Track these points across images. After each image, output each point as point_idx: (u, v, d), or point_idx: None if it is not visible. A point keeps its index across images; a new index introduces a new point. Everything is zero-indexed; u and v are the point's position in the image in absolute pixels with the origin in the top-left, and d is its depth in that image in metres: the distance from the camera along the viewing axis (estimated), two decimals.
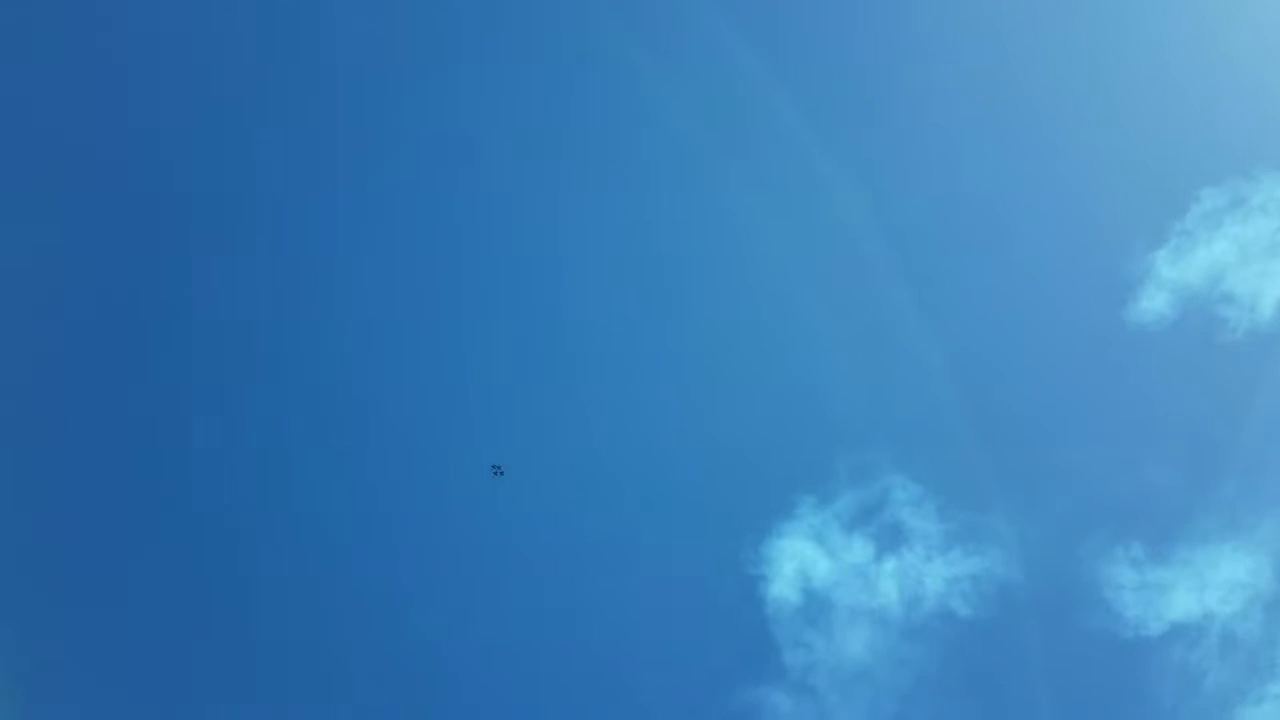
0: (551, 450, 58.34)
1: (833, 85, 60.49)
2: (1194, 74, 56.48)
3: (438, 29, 61.72)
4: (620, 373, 59.63)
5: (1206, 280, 53.05)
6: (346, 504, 57.95)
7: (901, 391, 57.36)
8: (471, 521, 57.57)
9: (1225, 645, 50.63)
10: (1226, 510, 51.59)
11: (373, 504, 57.96)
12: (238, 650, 56.06)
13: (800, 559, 54.56)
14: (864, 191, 59.35)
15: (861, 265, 58.94)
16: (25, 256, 57.77)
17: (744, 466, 57.24)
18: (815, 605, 54.22)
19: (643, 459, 58.30)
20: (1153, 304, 53.79)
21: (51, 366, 58.07)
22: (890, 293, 58.43)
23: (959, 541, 54.06)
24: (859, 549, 54.65)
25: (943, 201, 58.75)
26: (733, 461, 57.44)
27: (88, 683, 54.66)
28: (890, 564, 54.31)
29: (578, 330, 60.28)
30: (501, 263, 60.86)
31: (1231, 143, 54.47)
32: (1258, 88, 55.42)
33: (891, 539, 54.65)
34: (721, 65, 60.46)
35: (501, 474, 56.36)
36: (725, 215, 60.69)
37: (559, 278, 60.71)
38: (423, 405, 59.33)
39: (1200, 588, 51.08)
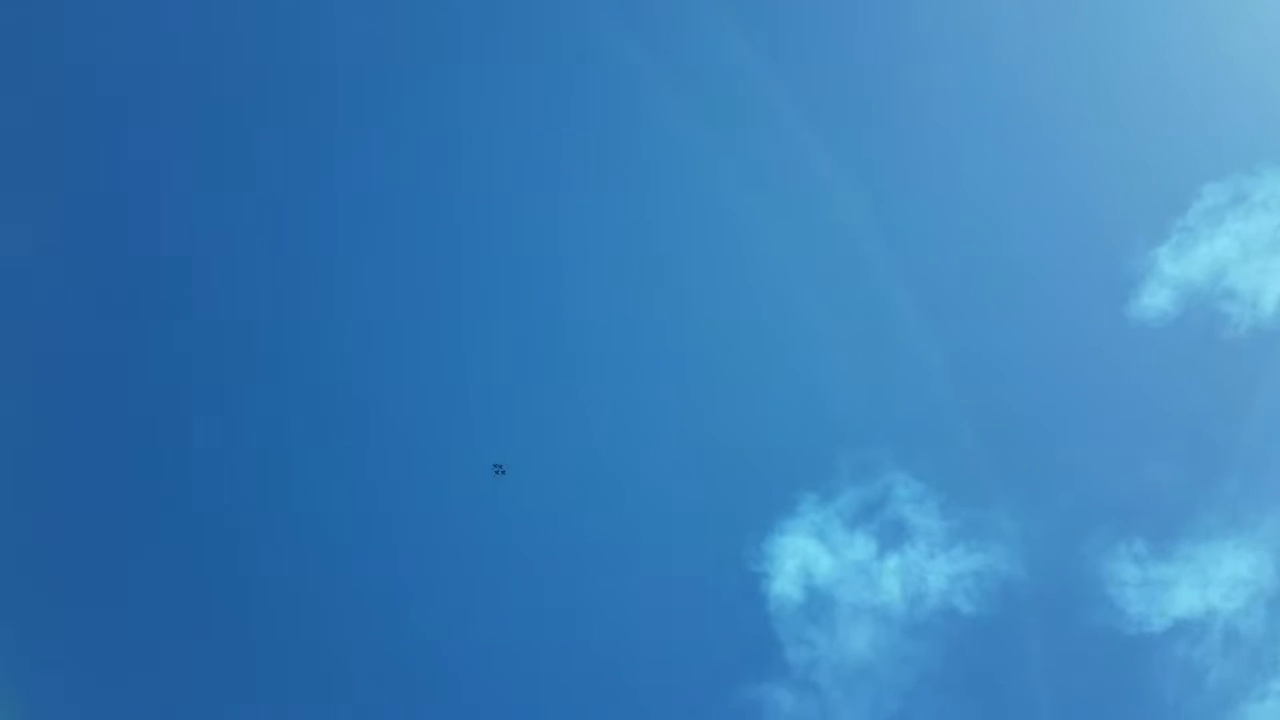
0: (554, 449, 58.43)
1: (835, 81, 60.71)
2: (1195, 70, 56.53)
3: (434, 29, 61.75)
4: (623, 371, 59.75)
5: (1208, 277, 53.08)
6: (349, 503, 58.03)
7: (903, 389, 57.41)
8: (474, 520, 57.64)
9: (1228, 642, 50.64)
10: (1229, 507, 51.63)
11: (378, 502, 58.10)
12: (237, 650, 56.08)
13: (802, 556, 54.53)
14: (865, 191, 59.46)
15: (862, 264, 59.00)
16: (18, 256, 57.80)
17: (746, 464, 57.30)
18: (817, 602, 54.23)
19: (645, 457, 58.42)
20: (1155, 300, 53.82)
21: (50, 366, 58.05)
22: (892, 291, 58.47)
23: (961, 538, 54.06)
24: (861, 546, 54.64)
25: (944, 200, 58.82)
26: (735, 459, 57.47)
27: (86, 682, 54.59)
28: (893, 561, 54.30)
29: (580, 329, 60.37)
30: (507, 262, 60.95)
31: (1233, 138, 54.51)
32: (1259, 84, 55.46)
33: (894, 536, 54.65)
34: (723, 65, 60.51)
35: (503, 473, 56.34)
36: (728, 215, 60.76)
37: (563, 277, 60.82)
38: (427, 404, 59.45)
39: (1203, 584, 51.07)
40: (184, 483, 58.01)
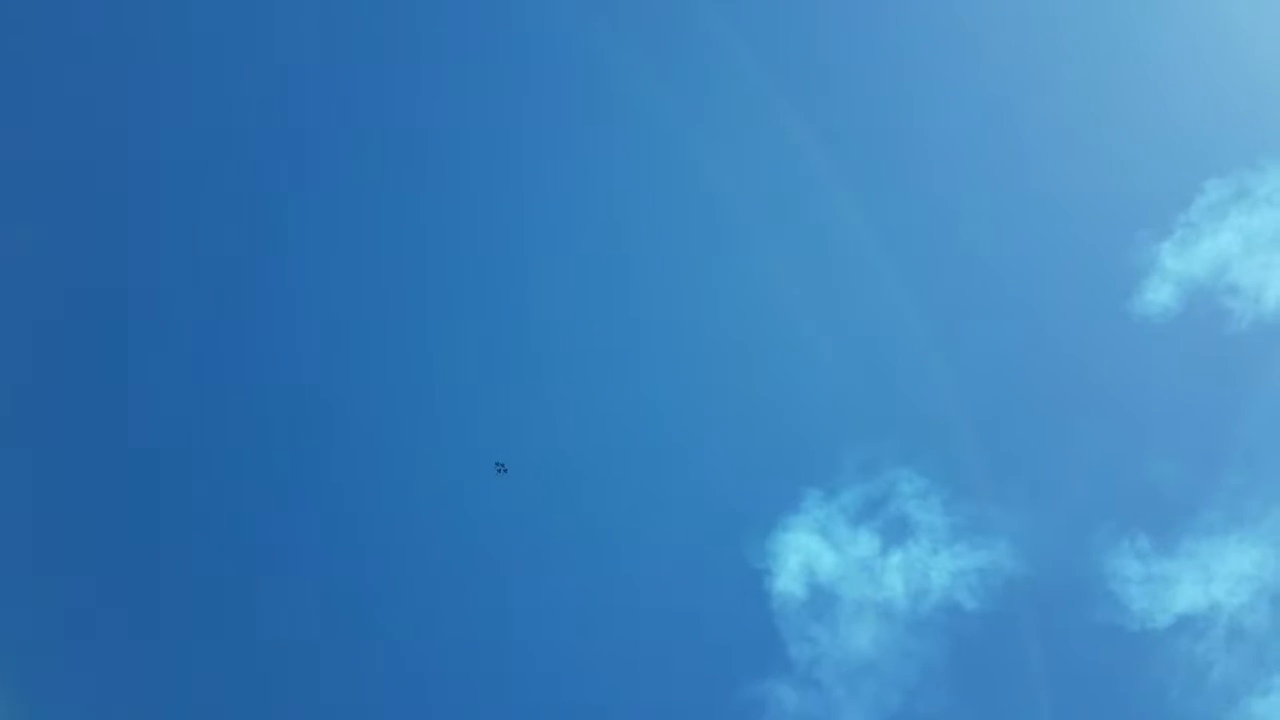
0: (557, 446, 58.38)
1: (841, 68, 60.40)
2: (1198, 65, 56.46)
3: (421, 30, 61.65)
4: (627, 370, 59.68)
5: (1211, 272, 52.98)
6: (353, 502, 58.05)
7: (906, 385, 57.29)
8: (478, 518, 57.60)
9: (1232, 637, 50.60)
10: (1232, 502, 51.54)
11: (383, 500, 58.08)
12: (237, 649, 56.05)
13: (806, 552, 54.47)
14: (867, 187, 59.42)
15: (865, 259, 58.92)
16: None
17: (749, 460, 57.30)
18: (821, 599, 54.17)
19: (648, 454, 58.40)
20: (1158, 296, 53.73)
21: (50, 366, 57.98)
22: (895, 287, 58.40)
23: (965, 535, 54.00)
24: (865, 542, 54.58)
25: (947, 196, 58.76)
26: (738, 455, 57.49)
27: (85, 681, 54.57)
28: (896, 557, 54.24)
29: (583, 328, 60.33)
30: (513, 262, 60.89)
31: (1236, 134, 54.45)
32: (1262, 79, 55.37)
33: (897, 532, 54.59)
34: (713, 66, 60.44)
35: (505, 471, 56.30)
36: (730, 214, 60.63)
37: (566, 276, 60.82)
38: (432, 405, 59.39)
39: (1206, 580, 51.02)
40: (185, 482, 58.06)
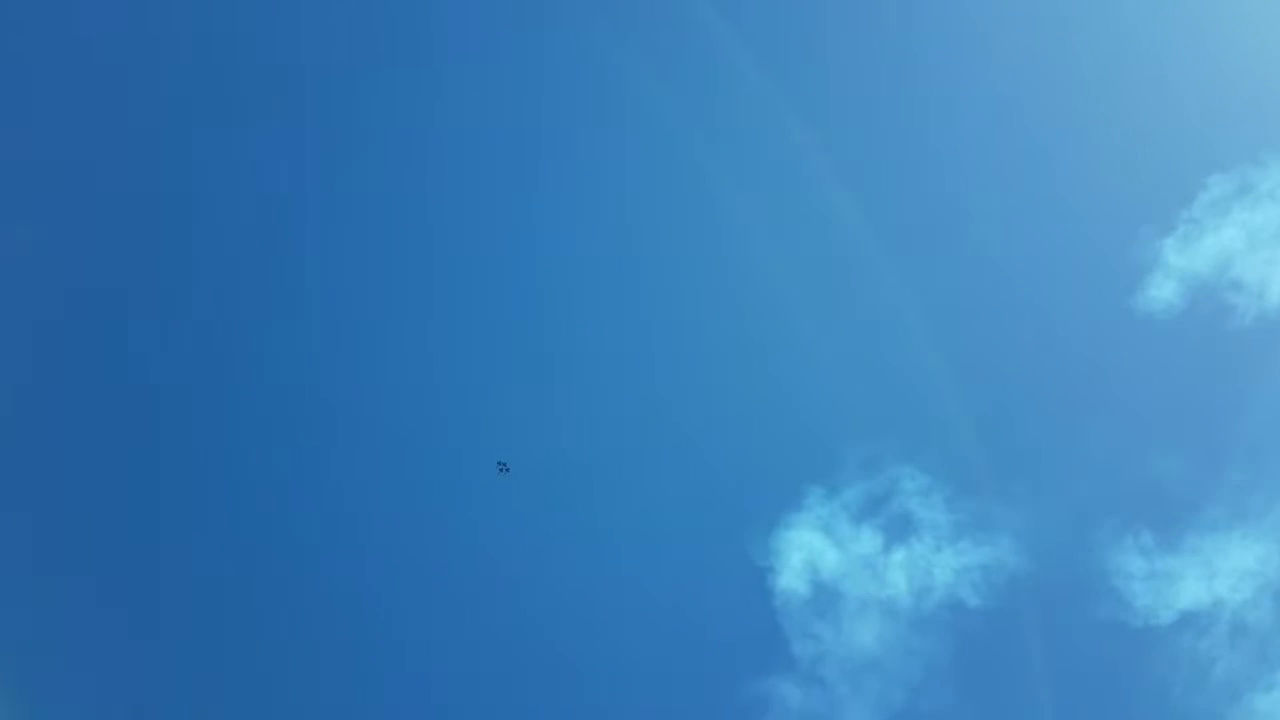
0: (561, 446, 58.29)
1: (847, 67, 60.29)
2: (1201, 62, 56.35)
3: (420, 27, 61.45)
4: (630, 368, 59.64)
5: (1214, 268, 52.90)
6: (357, 501, 57.96)
7: (909, 382, 57.23)
8: (481, 517, 57.53)
9: (1235, 633, 50.62)
10: (1235, 498, 51.52)
11: (387, 499, 58.03)
12: (237, 648, 55.99)
13: (809, 550, 54.42)
14: (871, 185, 59.32)
15: (868, 258, 58.84)
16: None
17: (752, 458, 57.27)
18: (824, 596, 54.13)
19: (652, 453, 58.37)
20: (1161, 292, 53.65)
21: (51, 366, 57.81)
22: (898, 284, 58.35)
23: (968, 531, 53.96)
24: (867, 540, 54.53)
25: (950, 193, 58.64)
26: (741, 453, 57.46)
27: (83, 681, 54.48)
28: (899, 554, 54.20)
29: (587, 327, 60.24)
30: (517, 262, 60.77)
31: (1239, 129, 54.38)
32: (1264, 75, 55.27)
33: (900, 529, 54.54)
34: (720, 67, 60.30)
35: (507, 470, 56.22)
36: (733, 214, 60.50)
37: (572, 276, 60.75)
38: (434, 403, 59.36)
39: (1209, 576, 51.02)
40: (186, 481, 57.95)
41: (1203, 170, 53.69)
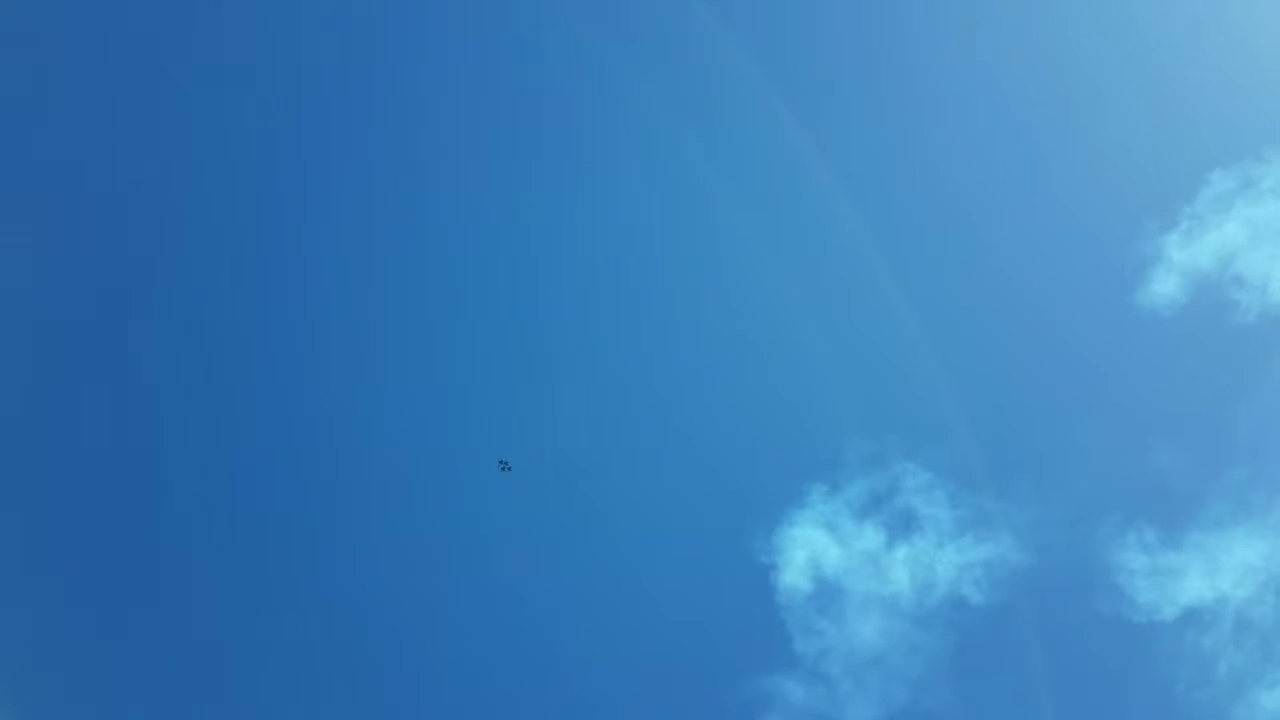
0: (564, 444, 58.38)
1: (856, 61, 60.14)
2: (1203, 57, 56.13)
3: (420, 31, 61.45)
4: (633, 367, 59.65)
5: (1217, 263, 52.78)
6: (360, 500, 58.04)
7: (911, 379, 57.18)
8: (485, 515, 57.61)
9: (1238, 629, 50.54)
10: (1238, 494, 51.44)
11: (390, 498, 58.13)
12: (237, 648, 56.11)
13: (812, 547, 54.44)
14: (872, 181, 59.27)
15: (871, 254, 58.76)
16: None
17: (755, 455, 57.27)
18: (827, 593, 54.14)
19: (655, 450, 58.43)
20: (1163, 288, 53.56)
21: (52, 366, 57.95)
22: (900, 281, 58.31)
23: (970, 528, 53.93)
24: (870, 536, 54.53)
25: (952, 189, 58.50)
26: (744, 451, 57.47)
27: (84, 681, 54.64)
28: (902, 551, 54.21)
29: (591, 326, 60.30)
30: (520, 260, 60.88)
31: (1242, 125, 54.19)
32: (1267, 71, 55.07)
33: (903, 526, 54.52)
34: (723, 66, 60.20)
35: (509, 469, 56.25)
36: (735, 212, 60.50)
37: (574, 275, 60.79)
38: (436, 402, 59.44)
39: (1212, 572, 50.93)
40: (186, 480, 58.04)
41: (1205, 166, 53.59)
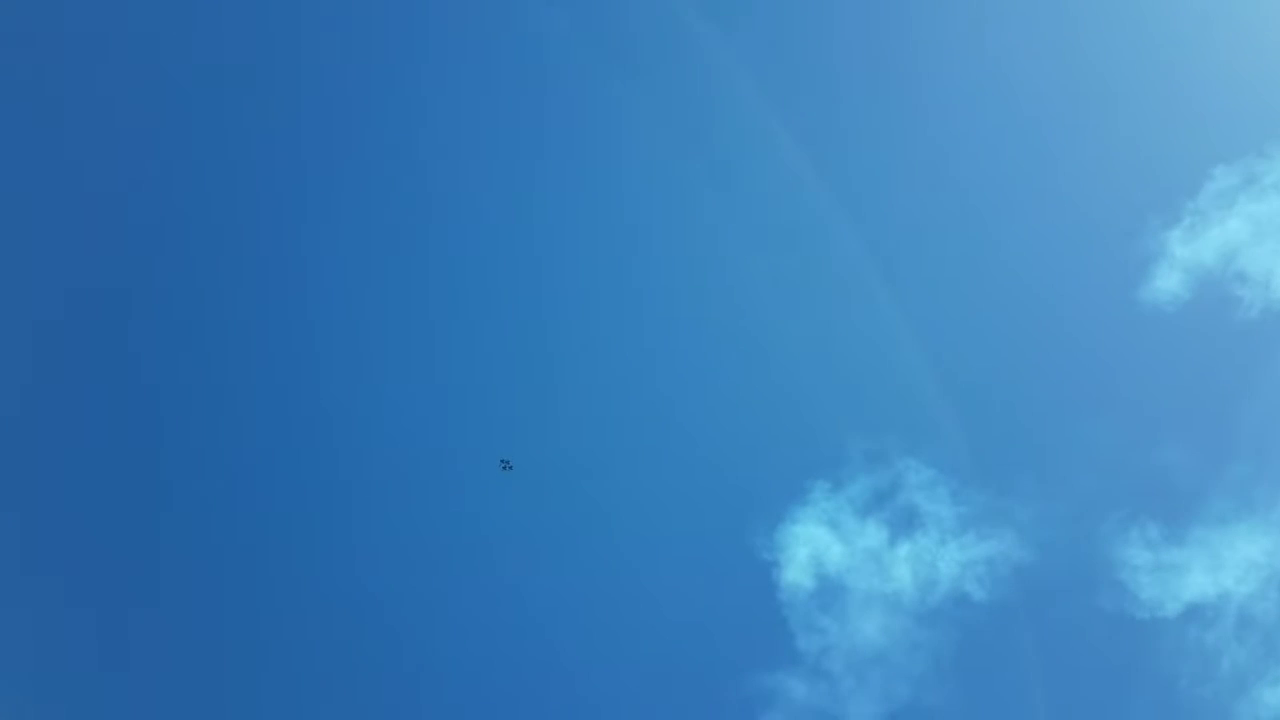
0: (567, 441, 58.37)
1: (860, 54, 60.04)
2: (1206, 53, 56.11)
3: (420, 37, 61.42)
4: (635, 364, 59.63)
5: (1220, 259, 52.73)
6: (362, 499, 57.98)
7: (913, 376, 57.09)
8: (487, 513, 57.56)
9: (1241, 625, 50.50)
10: (1241, 490, 51.40)
11: (393, 497, 58.09)
12: (237, 648, 56.03)
13: (814, 544, 54.37)
14: (875, 178, 59.21)
15: (874, 250, 58.74)
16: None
17: (757, 452, 57.26)
18: (829, 590, 54.08)
19: (658, 447, 58.34)
20: (1166, 284, 53.50)
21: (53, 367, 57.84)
22: (903, 277, 58.30)
23: (973, 525, 53.87)
24: (873, 534, 54.47)
25: (955, 185, 58.46)
26: (746, 448, 57.43)
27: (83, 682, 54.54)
28: (904, 548, 54.13)
29: (594, 323, 60.26)
30: (523, 257, 60.83)
31: (1244, 121, 54.15)
32: (1270, 66, 55.05)
33: (905, 523, 54.46)
34: (724, 63, 60.18)
35: (510, 468, 56.18)
36: (737, 208, 60.44)
37: (578, 271, 60.74)
38: (439, 401, 59.37)
39: (1216, 568, 50.88)
40: (185, 479, 57.97)
41: (1208, 162, 53.53)
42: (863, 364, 57.70)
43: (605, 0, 61.09)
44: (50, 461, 56.79)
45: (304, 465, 58.29)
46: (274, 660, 55.81)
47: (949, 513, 54.15)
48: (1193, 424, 53.34)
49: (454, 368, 59.78)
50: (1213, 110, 55.34)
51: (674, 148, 60.57)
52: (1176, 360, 54.35)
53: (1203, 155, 53.76)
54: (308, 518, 57.70)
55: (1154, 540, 51.73)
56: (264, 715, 54.98)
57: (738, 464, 57.19)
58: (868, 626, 53.43)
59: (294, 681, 55.57)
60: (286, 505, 57.83)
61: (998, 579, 53.20)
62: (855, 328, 58.38)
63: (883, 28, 59.71)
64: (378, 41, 61.11)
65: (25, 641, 54.47)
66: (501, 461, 56.25)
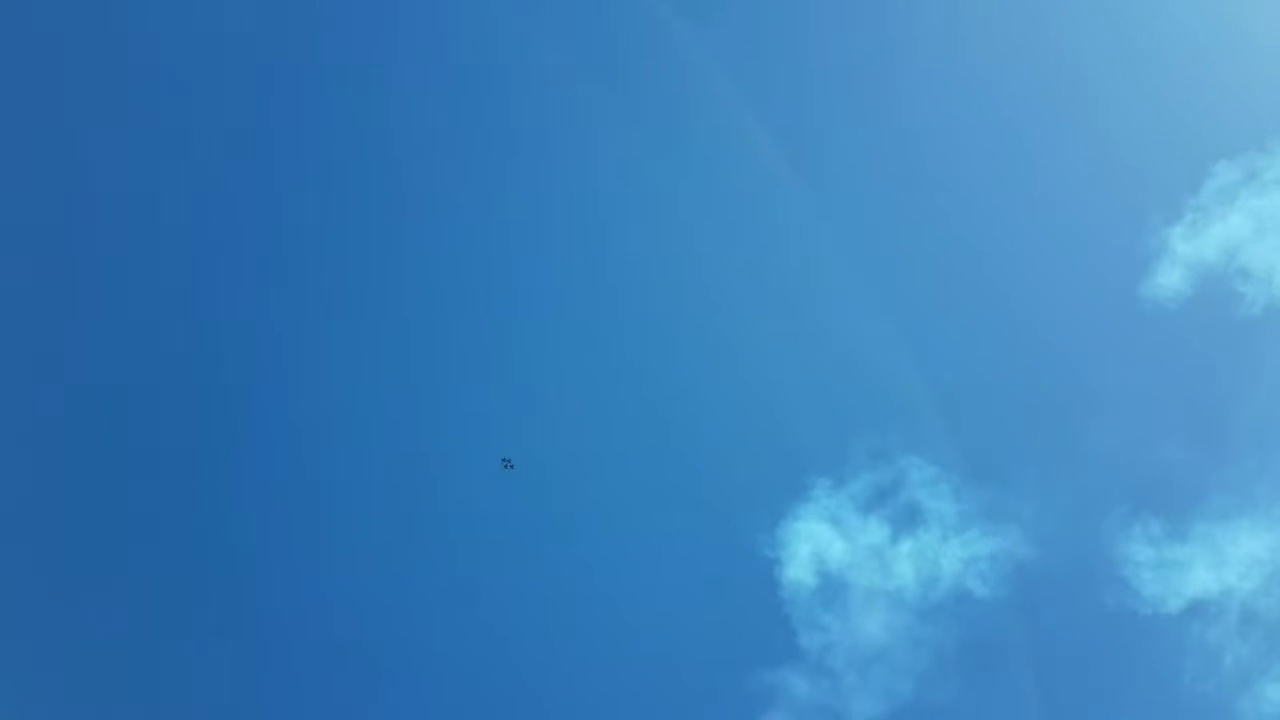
0: (568, 439, 58.34)
1: (861, 50, 60.11)
2: (1207, 48, 56.11)
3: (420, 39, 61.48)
4: (637, 361, 59.60)
5: (1222, 255, 52.72)
6: (364, 498, 57.97)
7: (916, 372, 57.10)
8: (489, 511, 57.52)
9: (1244, 622, 50.50)
10: (1244, 486, 51.38)
11: (394, 496, 58.04)
12: (237, 648, 56.01)
13: (816, 541, 54.36)
14: (877, 171, 59.23)
15: (875, 246, 58.87)
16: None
17: (759, 449, 57.19)
18: (831, 587, 54.08)
19: (659, 445, 58.28)
20: (1168, 280, 53.49)
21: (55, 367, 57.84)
22: (905, 274, 58.34)
23: (975, 521, 53.89)
24: (875, 530, 54.45)
25: (956, 181, 58.52)
26: (748, 444, 57.42)
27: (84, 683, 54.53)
28: (906, 545, 54.10)
29: (596, 320, 60.21)
30: (526, 254, 60.82)
31: (1246, 116, 54.13)
32: (1272, 61, 55.04)
33: (907, 520, 54.44)
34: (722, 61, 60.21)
35: (511, 467, 56.20)
36: (739, 203, 60.42)
37: (580, 268, 60.68)
38: (439, 400, 59.32)
39: (1218, 564, 50.87)
40: (185, 478, 57.96)
41: (1209, 158, 53.50)
42: (864, 361, 57.66)
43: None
44: (46, 460, 56.84)
45: (299, 464, 58.37)
46: (268, 660, 55.87)
47: (951, 509, 54.18)
48: (1195, 420, 53.38)
49: (453, 367, 59.93)
50: (1214, 106, 55.38)
51: (674, 144, 60.73)
52: (1179, 356, 54.39)
53: (1204, 151, 53.75)
54: (306, 517, 57.78)
55: (1156, 536, 51.73)
56: (261, 715, 55.07)
57: (739, 461, 57.26)
58: (870, 623, 53.44)
59: (290, 679, 55.62)
60: (279, 505, 57.90)
61: (1000, 576, 53.24)
62: (857, 324, 58.38)
63: (882, 17, 59.76)
64: (354, 38, 61.14)
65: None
66: (503, 460, 56.27)
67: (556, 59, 60.58)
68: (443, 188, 61.32)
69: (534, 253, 60.79)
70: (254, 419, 58.66)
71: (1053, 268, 57.10)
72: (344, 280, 60.17)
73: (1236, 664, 50.36)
